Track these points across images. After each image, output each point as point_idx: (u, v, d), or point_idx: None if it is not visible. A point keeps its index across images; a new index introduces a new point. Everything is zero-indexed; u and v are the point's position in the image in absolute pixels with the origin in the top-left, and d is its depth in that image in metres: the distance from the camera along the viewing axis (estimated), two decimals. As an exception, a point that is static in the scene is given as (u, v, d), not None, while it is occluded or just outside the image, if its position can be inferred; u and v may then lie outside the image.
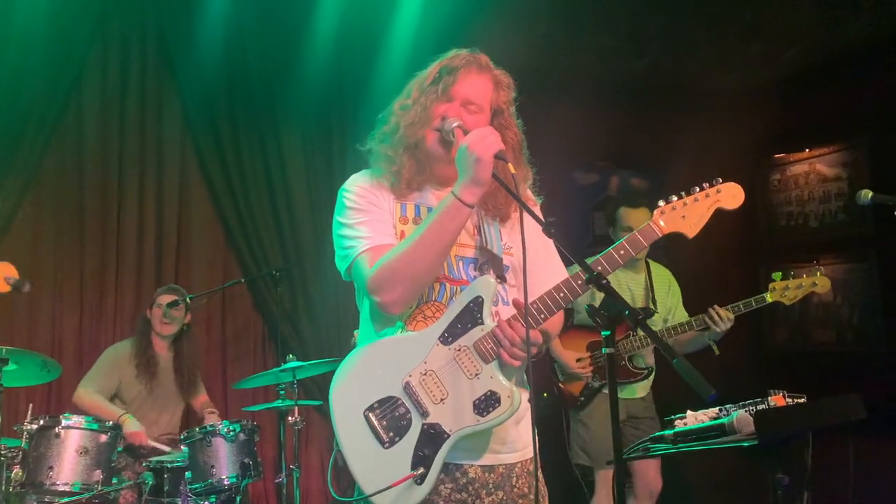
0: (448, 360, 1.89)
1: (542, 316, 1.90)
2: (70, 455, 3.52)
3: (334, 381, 1.93)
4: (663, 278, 4.28)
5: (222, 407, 4.98)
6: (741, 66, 5.94)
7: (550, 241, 2.06)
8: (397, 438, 1.86)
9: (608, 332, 1.79)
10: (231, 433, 3.80)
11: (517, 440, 2.01)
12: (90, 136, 5.04)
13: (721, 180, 2.02)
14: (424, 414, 1.87)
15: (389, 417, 1.87)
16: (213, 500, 3.83)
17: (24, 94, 4.74)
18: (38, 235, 4.87)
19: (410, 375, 1.89)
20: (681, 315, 4.14)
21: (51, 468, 3.48)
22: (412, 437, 1.86)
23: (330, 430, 5.26)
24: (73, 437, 3.55)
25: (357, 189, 2.06)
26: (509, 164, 1.88)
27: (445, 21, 5.37)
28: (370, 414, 1.88)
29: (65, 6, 4.83)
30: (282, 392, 4.23)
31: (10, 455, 3.48)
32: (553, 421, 4.13)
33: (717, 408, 2.37)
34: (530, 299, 1.95)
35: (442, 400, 1.87)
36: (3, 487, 3.44)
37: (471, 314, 1.89)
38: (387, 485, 1.82)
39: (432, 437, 1.86)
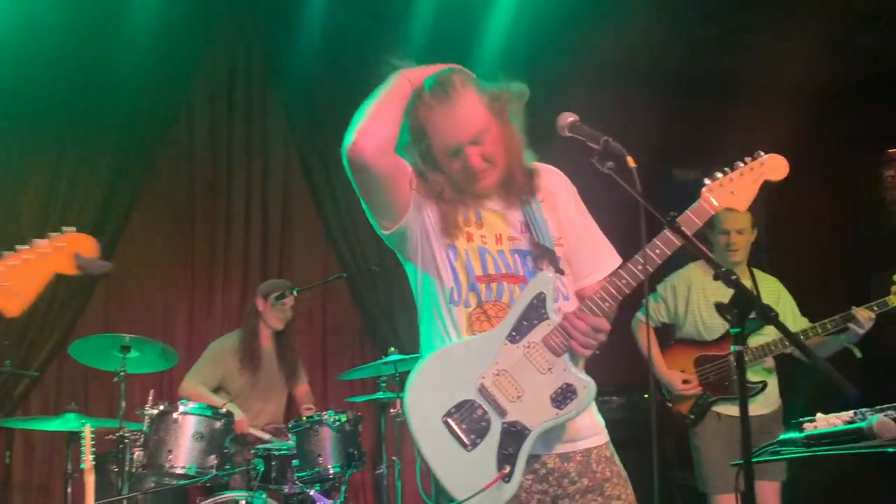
0: (519, 358, 1.90)
1: (607, 304, 1.91)
2: (187, 440, 3.69)
3: (408, 391, 1.94)
4: (771, 287, 4.02)
5: (321, 398, 5.12)
6: (850, 57, 5.72)
7: (593, 223, 2.12)
8: (479, 440, 1.88)
9: (738, 330, 1.77)
10: (337, 423, 3.89)
11: (589, 427, 2.02)
12: (199, 137, 5.29)
13: (763, 153, 2.03)
14: (502, 413, 1.89)
15: (468, 420, 1.89)
16: (318, 488, 3.92)
17: (138, 98, 5.01)
18: (152, 232, 5.14)
19: (483, 377, 1.90)
20: (802, 322, 3.86)
21: (170, 451, 3.65)
22: (493, 437, 1.88)
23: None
24: (189, 422, 3.72)
25: None
26: (629, 158, 1.87)
27: (539, 20, 5.38)
28: (449, 419, 1.89)
29: (174, 12, 5.07)
30: (383, 384, 4.31)
31: (132, 438, 3.67)
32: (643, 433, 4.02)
33: (852, 411, 2.27)
34: (585, 283, 2.03)
35: (518, 397, 1.89)
36: (127, 468, 3.64)
37: (535, 310, 1.92)
38: (475, 487, 1.82)
39: (514, 435, 1.88)
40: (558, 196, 2.10)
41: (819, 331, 3.65)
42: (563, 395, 1.88)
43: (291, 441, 3.94)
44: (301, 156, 5.52)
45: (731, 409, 3.71)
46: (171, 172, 5.23)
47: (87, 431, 3.28)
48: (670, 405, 3.92)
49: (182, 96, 5.24)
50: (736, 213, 3.88)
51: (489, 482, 1.82)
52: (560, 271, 2.01)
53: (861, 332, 3.55)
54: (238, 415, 4.21)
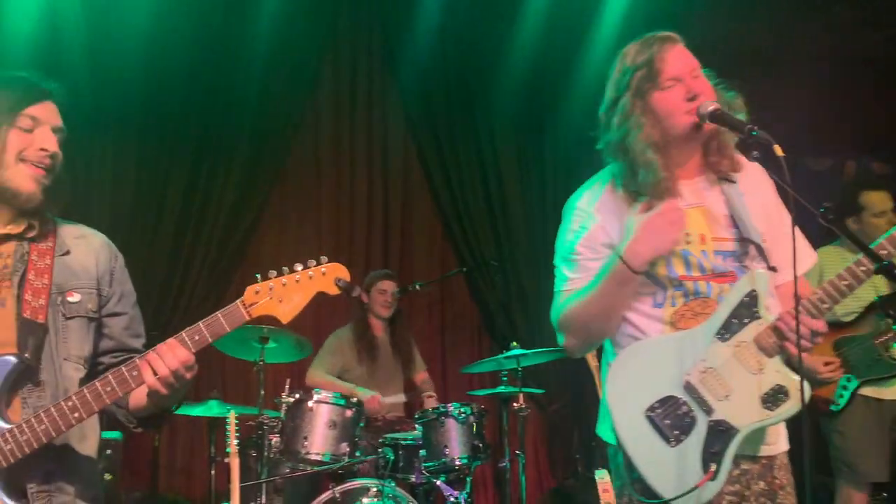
0: (728, 357, 1.86)
1: (825, 306, 1.84)
2: (321, 427, 3.82)
3: (607, 383, 1.94)
4: None
5: (440, 392, 5.20)
6: None
7: (788, 216, 1.95)
8: (682, 437, 1.85)
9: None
10: (462, 415, 3.94)
11: (778, 432, 1.96)
12: (324, 136, 5.50)
13: None
14: (709, 411, 1.85)
15: (673, 417, 1.86)
16: (444, 478, 3.99)
17: (270, 98, 5.25)
18: (283, 227, 5.39)
19: (689, 374, 1.87)
20: None
21: (305, 438, 3.79)
22: (699, 435, 1.85)
23: (544, 422, 5.40)
24: (323, 410, 3.85)
25: (579, 213, 2.05)
26: (776, 147, 1.79)
27: (654, 13, 5.26)
28: (652, 414, 1.88)
29: (299, 14, 5.27)
30: (504, 378, 4.33)
31: (271, 425, 3.84)
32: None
33: None
34: (782, 280, 1.92)
35: (726, 396, 1.85)
36: (265, 453, 3.81)
37: (747, 309, 1.86)
38: (678, 481, 1.81)
39: (720, 434, 1.84)
40: (760, 187, 2.01)
41: None
42: (775, 397, 1.84)
43: (417, 431, 4.03)
44: (419, 152, 5.63)
45: (880, 392, 3.54)
46: (298, 169, 5.46)
47: (232, 418, 3.46)
48: (813, 392, 3.73)
49: (308, 94, 5.45)
50: (880, 193, 3.77)
51: (696, 481, 1.80)
52: (773, 269, 1.94)
53: None
54: (369, 394, 4.30)
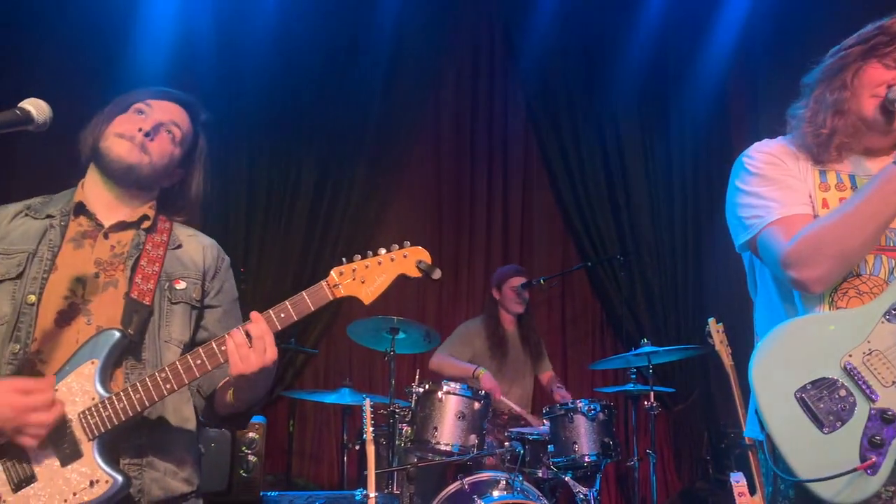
0: None
1: None
2: (450, 418, 3.84)
3: (755, 359, 1.83)
4: None
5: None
6: None
7: None
8: (838, 423, 1.73)
9: None
10: (592, 412, 3.88)
11: None
12: (445, 131, 5.53)
13: None
14: (872, 397, 1.73)
15: (827, 400, 1.74)
16: (571, 475, 3.94)
17: (393, 96, 5.34)
18: (405, 224, 5.48)
19: (851, 355, 1.75)
20: None
21: (435, 428, 3.82)
22: (858, 421, 1.72)
23: (669, 421, 5.26)
24: (452, 402, 3.87)
25: (763, 155, 1.95)
26: None
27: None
28: (804, 395, 1.76)
29: (421, 12, 5.34)
30: (633, 376, 4.24)
31: (402, 414, 3.90)
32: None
33: None
34: None
35: (894, 383, 1.72)
36: (397, 442, 3.87)
37: None
38: (829, 470, 1.69)
39: (885, 423, 1.71)
40: None
41: None
42: None
43: (544, 426, 4.00)
44: (540, 147, 5.58)
45: None
46: (419, 165, 5.52)
47: (367, 406, 3.51)
48: None
49: (429, 90, 5.51)
50: None
51: (850, 469, 1.68)
52: None
53: None
54: (491, 381, 4.30)
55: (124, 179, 1.87)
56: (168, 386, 1.68)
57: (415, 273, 1.77)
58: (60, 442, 1.69)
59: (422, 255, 1.79)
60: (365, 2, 5.28)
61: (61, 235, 1.84)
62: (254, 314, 1.69)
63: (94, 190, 1.90)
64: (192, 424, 1.87)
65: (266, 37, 5.15)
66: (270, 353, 1.67)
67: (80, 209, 1.88)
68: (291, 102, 5.25)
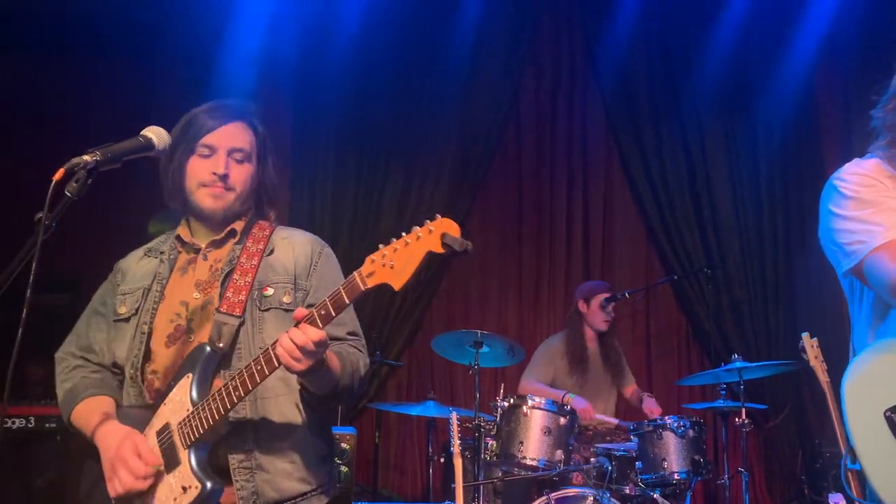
0: None
1: None
2: (536, 433, 3.83)
3: (848, 376, 1.80)
4: None
5: (646, 404, 5.06)
6: None
7: None
8: None
9: None
10: (681, 429, 3.81)
11: None
12: (525, 145, 5.55)
13: None
14: None
15: None
16: (659, 492, 3.87)
17: (473, 109, 5.39)
18: (486, 238, 5.49)
19: None
20: None
21: (521, 443, 3.82)
22: None
23: (759, 439, 5.08)
24: (537, 416, 3.86)
25: (857, 177, 1.89)
26: None
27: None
28: (894, 416, 1.71)
29: (500, 24, 5.38)
30: (723, 392, 4.14)
31: (487, 428, 3.92)
32: None
33: None
34: None
35: None
36: (482, 456, 3.89)
37: None
38: None
39: None
40: None
41: None
42: None
43: (631, 442, 3.94)
44: (622, 158, 5.53)
45: None
46: (499, 179, 5.55)
47: (454, 418, 3.55)
48: None
49: (510, 103, 5.54)
50: None
51: None
52: None
53: None
54: (583, 403, 4.26)
55: (226, 220, 2.02)
56: (238, 393, 1.75)
57: (440, 249, 1.61)
58: (168, 451, 1.83)
59: (448, 226, 1.61)
60: (444, 17, 5.36)
61: (170, 268, 2.02)
62: (296, 313, 1.71)
63: (195, 224, 2.06)
64: (299, 422, 1.91)
65: (346, 57, 5.29)
66: (313, 357, 1.69)
67: (180, 241, 2.05)
68: (373, 121, 5.37)
